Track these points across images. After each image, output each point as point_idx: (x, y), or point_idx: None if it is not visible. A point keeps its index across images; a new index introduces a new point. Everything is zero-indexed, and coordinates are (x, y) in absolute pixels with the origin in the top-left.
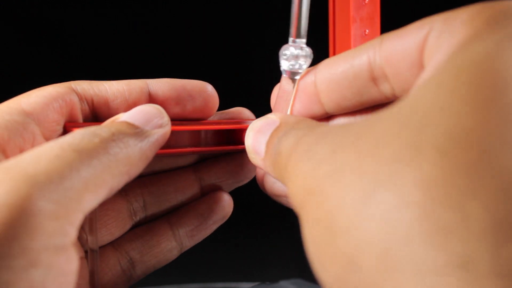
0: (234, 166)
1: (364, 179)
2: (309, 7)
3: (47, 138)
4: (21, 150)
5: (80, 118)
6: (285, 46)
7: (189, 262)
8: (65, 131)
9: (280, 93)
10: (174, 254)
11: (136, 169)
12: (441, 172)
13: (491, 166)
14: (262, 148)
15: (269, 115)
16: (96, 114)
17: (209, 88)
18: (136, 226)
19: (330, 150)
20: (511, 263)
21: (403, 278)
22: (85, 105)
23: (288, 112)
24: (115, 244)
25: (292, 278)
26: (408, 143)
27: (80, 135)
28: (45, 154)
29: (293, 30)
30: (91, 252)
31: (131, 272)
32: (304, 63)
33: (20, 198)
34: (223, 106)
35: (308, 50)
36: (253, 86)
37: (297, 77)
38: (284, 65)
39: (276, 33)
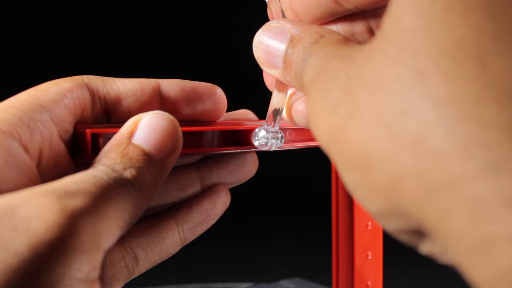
0: (235, 166)
1: (382, 114)
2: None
3: (62, 138)
4: (40, 149)
5: (91, 118)
6: None
7: (189, 263)
8: (75, 131)
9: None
10: (176, 249)
11: (149, 201)
12: (449, 91)
13: (493, 73)
14: (279, 62)
15: (273, 23)
16: (107, 113)
17: (218, 91)
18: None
19: (342, 92)
20: None
21: (441, 195)
22: (98, 104)
23: (284, 108)
24: (120, 239)
25: (292, 277)
26: (410, 69)
27: (106, 174)
28: (79, 187)
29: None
30: None
31: (134, 268)
32: None
33: (60, 236)
34: (228, 107)
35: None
36: (256, 88)
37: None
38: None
39: None
